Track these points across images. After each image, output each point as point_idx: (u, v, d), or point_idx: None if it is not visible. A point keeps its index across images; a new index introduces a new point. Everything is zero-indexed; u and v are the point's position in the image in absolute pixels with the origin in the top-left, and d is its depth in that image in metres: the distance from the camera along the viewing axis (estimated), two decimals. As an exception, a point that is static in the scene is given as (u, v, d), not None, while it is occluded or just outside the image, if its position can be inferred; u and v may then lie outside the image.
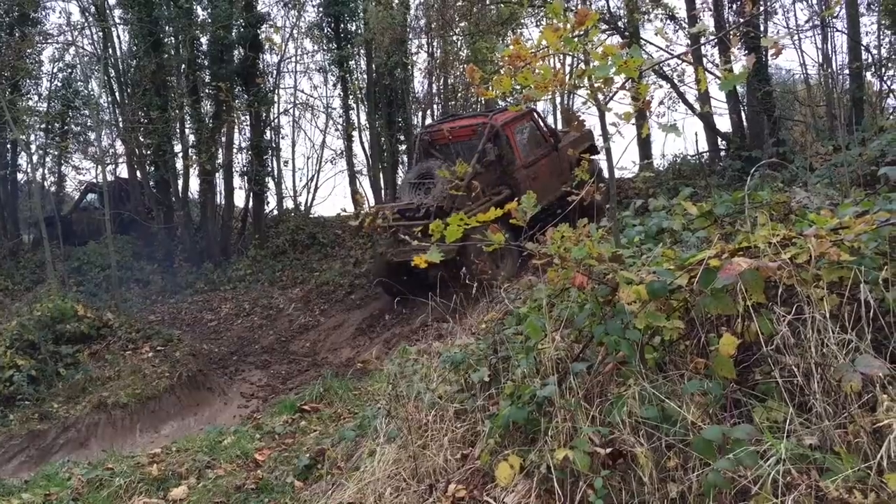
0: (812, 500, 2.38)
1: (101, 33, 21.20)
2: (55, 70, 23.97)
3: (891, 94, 17.42)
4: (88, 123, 23.49)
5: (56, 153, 24.05)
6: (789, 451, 2.47)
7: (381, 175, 22.47)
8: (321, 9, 23.04)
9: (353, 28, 22.96)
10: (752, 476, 2.49)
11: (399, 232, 12.69)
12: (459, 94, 23.91)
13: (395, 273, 12.72)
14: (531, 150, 13.72)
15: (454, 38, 22.30)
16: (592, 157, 14.66)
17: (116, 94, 21.83)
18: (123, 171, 23.36)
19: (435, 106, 23.73)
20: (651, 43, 16.96)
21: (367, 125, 23.10)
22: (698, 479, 2.70)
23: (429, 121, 22.72)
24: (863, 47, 16.23)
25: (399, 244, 12.98)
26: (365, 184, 24.22)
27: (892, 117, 16.09)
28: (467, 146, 13.59)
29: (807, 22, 16.92)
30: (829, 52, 17.51)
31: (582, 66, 14.92)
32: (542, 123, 14.52)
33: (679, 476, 2.81)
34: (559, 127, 23.50)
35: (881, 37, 17.66)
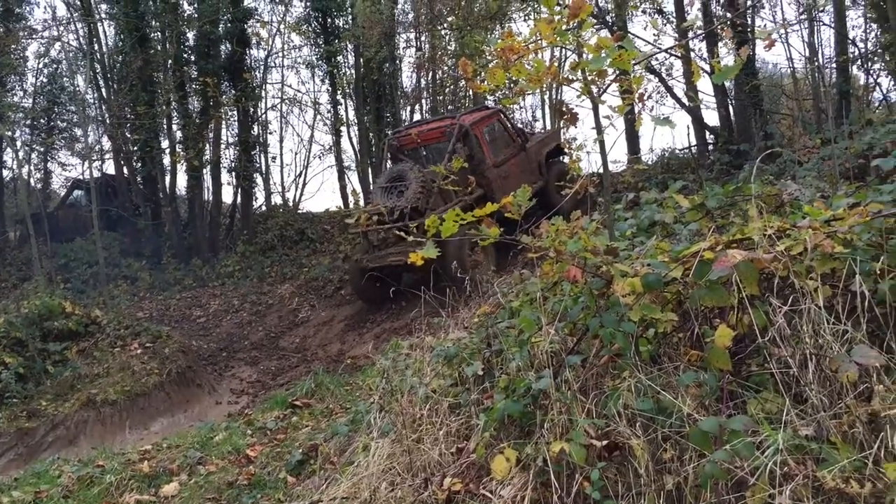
0: (809, 490, 2.39)
1: (86, 28, 21.03)
2: (40, 66, 23.84)
3: (877, 88, 17.52)
4: (74, 119, 23.37)
5: (42, 149, 23.90)
6: (786, 441, 2.47)
7: (369, 170, 22.41)
8: (308, 3, 22.96)
9: (341, 23, 22.89)
10: (748, 467, 2.49)
11: (372, 237, 12.77)
12: (448, 89, 23.89)
13: (370, 278, 12.75)
14: (500, 150, 13.77)
15: (442, 32, 22.26)
16: (559, 157, 14.79)
17: (103, 89, 21.69)
18: (110, 168, 23.28)
19: (423, 101, 23.70)
20: (639, 37, 16.99)
21: (356, 120, 23.04)
22: (694, 471, 2.70)
23: (417, 116, 22.71)
24: (849, 41, 16.32)
25: (373, 249, 13.02)
26: (353, 179, 24.19)
27: (878, 111, 16.18)
28: (436, 149, 13.62)
29: (802, 12, 16.97)
30: (816, 46, 17.61)
31: (573, 58, 14.96)
32: (509, 123, 14.57)
33: (675, 468, 2.81)
34: (547, 123, 23.61)
35: (867, 30, 17.75)
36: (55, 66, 23.80)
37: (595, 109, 3.95)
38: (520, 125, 18.18)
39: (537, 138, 15.21)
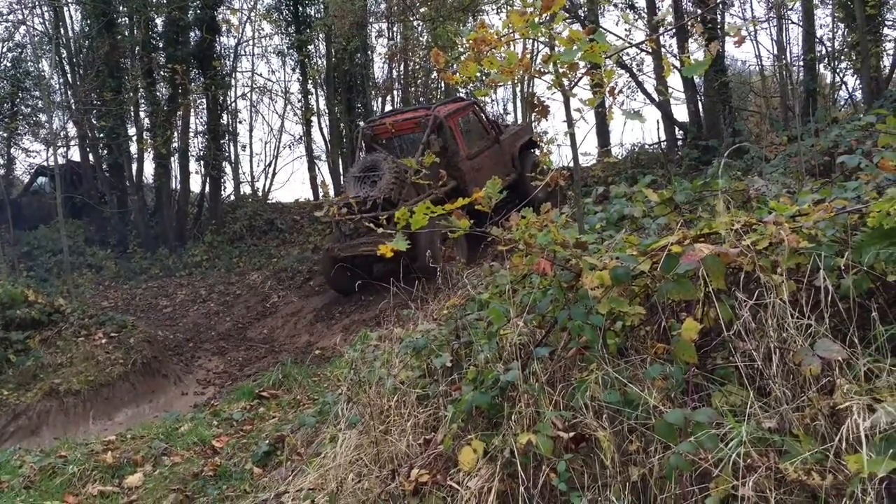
0: (772, 481, 2.42)
1: (52, 12, 20.64)
2: (4, 50, 23.28)
3: (843, 86, 17.78)
4: (39, 105, 22.87)
5: (5, 135, 23.39)
6: (749, 434, 2.50)
7: (339, 161, 22.31)
8: (280, -9, 22.76)
9: (313, 12, 22.70)
10: (712, 459, 2.52)
11: (344, 226, 12.72)
12: (419, 80, 23.83)
13: (341, 268, 12.70)
14: (474, 142, 13.78)
15: (415, 23, 22.20)
16: (533, 150, 14.89)
17: (68, 74, 21.34)
18: (76, 154, 22.89)
19: (395, 92, 23.62)
20: (611, 32, 17.09)
21: (326, 110, 22.90)
22: (660, 462, 2.73)
23: (388, 107, 22.65)
24: (817, 39, 16.54)
25: (346, 239, 12.98)
26: (323, 169, 24.08)
27: (844, 109, 16.43)
28: (410, 139, 13.60)
29: (770, 9, 17.17)
30: (785, 44, 17.83)
31: (545, 51, 15.03)
32: (483, 116, 14.58)
33: (641, 459, 2.84)
34: (519, 115, 23.67)
35: (835, 29, 18.00)
36: (19, 50, 23.26)
37: (566, 102, 3.95)
38: (492, 118, 18.23)
39: (511, 131, 15.26)
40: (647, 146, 18.83)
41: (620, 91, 19.43)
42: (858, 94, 16.10)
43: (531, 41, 17.04)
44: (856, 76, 16.90)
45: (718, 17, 16.05)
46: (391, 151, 13.39)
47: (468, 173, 13.01)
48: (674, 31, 14.86)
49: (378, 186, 12.31)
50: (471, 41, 3.83)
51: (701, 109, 16.85)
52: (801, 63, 16.45)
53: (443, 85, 22.43)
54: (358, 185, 12.62)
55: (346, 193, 12.71)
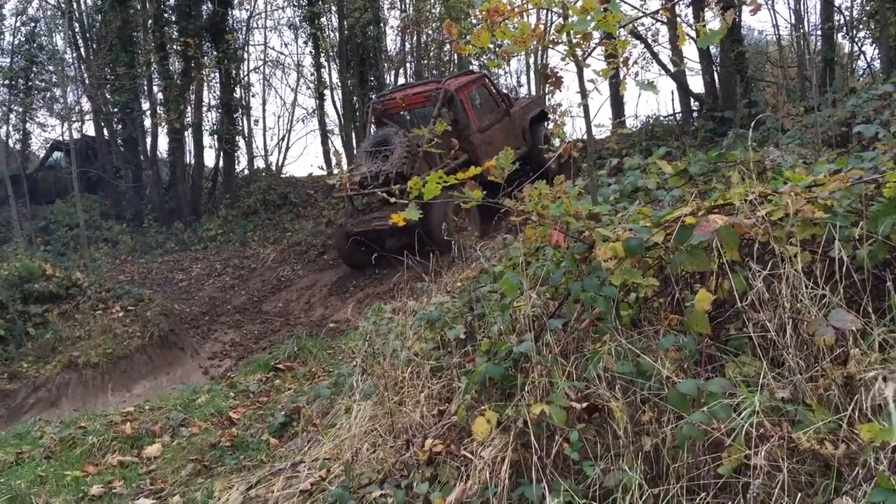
0: (784, 451, 2.43)
1: (64, -14, 20.60)
2: (18, 24, 23.32)
3: (861, 56, 17.53)
4: (53, 79, 22.92)
5: (20, 110, 23.47)
6: (762, 404, 2.51)
7: (353, 134, 22.25)
8: (292, -37, 22.59)
9: (325, -17, 22.54)
10: (725, 428, 2.53)
11: (356, 201, 12.73)
12: (432, 53, 23.68)
13: (354, 243, 12.73)
14: (485, 115, 13.73)
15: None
16: (543, 122, 14.82)
17: (82, 49, 21.36)
18: (90, 129, 22.94)
19: (408, 64, 23.49)
20: (625, 1, 16.90)
21: (339, 84, 22.80)
22: (672, 432, 2.73)
23: (402, 79, 22.54)
24: (835, 8, 16.29)
25: (358, 214, 12.99)
26: (337, 143, 24.04)
27: (862, 79, 16.22)
28: (420, 113, 13.55)
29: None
30: (802, 13, 17.58)
31: (559, 21, 14.89)
32: (494, 88, 14.50)
33: (653, 429, 2.85)
34: (533, 86, 23.52)
35: (853, -3, 17.71)
36: (33, 24, 23.29)
37: (579, 73, 3.92)
38: (504, 90, 18.10)
39: (521, 103, 15.19)
40: (661, 118, 18.68)
41: (635, 62, 19.26)
42: (877, 64, 15.90)
43: (544, 11, 16.89)
44: (874, 45, 16.67)
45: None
46: (402, 125, 13.35)
47: (479, 146, 12.97)
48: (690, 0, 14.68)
49: (390, 161, 12.29)
50: (483, 12, 3.80)
51: (717, 80, 16.67)
52: (819, 32, 16.24)
53: (456, 57, 22.28)
54: (370, 159, 12.61)
55: (355, 166, 12.70)
